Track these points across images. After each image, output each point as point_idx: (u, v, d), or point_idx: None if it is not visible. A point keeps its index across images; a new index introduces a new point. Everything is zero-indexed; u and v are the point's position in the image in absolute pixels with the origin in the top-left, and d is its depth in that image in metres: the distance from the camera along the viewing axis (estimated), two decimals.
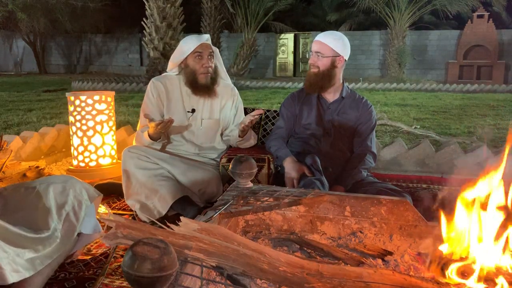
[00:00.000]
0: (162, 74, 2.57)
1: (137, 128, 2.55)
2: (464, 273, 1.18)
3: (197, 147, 2.50)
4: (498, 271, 1.17)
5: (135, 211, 2.30)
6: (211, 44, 2.44)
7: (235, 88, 2.63)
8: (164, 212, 2.24)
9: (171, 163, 2.36)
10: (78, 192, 1.58)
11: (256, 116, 2.30)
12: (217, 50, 2.51)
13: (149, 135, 2.33)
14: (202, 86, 2.40)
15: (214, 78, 2.44)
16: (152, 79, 2.52)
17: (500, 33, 14.48)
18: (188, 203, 2.27)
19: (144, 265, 0.83)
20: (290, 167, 2.17)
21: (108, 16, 17.28)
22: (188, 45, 2.38)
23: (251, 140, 2.55)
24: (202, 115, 2.49)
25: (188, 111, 2.48)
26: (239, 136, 2.46)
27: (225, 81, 2.60)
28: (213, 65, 2.42)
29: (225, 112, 2.56)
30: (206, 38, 2.40)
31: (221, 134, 2.59)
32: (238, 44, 16.23)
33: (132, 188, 2.29)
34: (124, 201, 2.49)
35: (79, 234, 1.62)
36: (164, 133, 2.36)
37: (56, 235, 1.45)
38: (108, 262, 1.79)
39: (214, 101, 2.51)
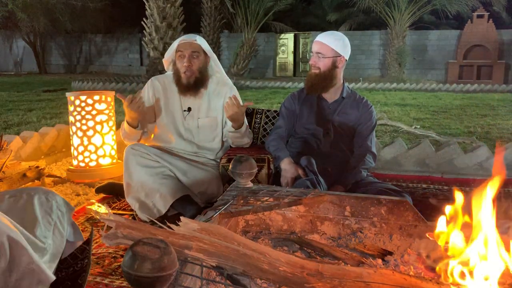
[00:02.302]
0: (164, 74, 2.59)
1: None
2: (464, 273, 1.18)
3: (195, 145, 2.50)
4: (498, 271, 1.17)
5: (135, 211, 2.30)
6: (202, 44, 2.40)
7: (233, 86, 2.59)
8: (164, 211, 2.24)
9: (172, 162, 2.36)
10: (60, 203, 1.59)
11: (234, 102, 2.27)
12: (210, 50, 2.46)
13: (126, 121, 2.38)
14: (185, 86, 2.40)
15: (199, 78, 2.40)
16: (152, 78, 2.56)
17: (500, 33, 14.47)
18: (188, 202, 2.28)
19: (144, 265, 0.83)
20: (286, 168, 2.18)
21: (108, 16, 17.28)
22: (173, 44, 2.42)
23: (245, 138, 2.49)
24: (199, 113, 2.49)
25: (185, 110, 2.49)
26: (232, 127, 2.42)
27: (223, 79, 2.58)
28: (197, 65, 2.38)
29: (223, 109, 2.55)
30: (193, 38, 2.38)
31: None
32: (238, 44, 16.21)
33: (132, 186, 2.30)
34: (124, 201, 2.49)
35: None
36: (138, 117, 2.35)
37: (45, 246, 1.44)
38: (89, 250, 1.70)
39: (212, 99, 2.50)
